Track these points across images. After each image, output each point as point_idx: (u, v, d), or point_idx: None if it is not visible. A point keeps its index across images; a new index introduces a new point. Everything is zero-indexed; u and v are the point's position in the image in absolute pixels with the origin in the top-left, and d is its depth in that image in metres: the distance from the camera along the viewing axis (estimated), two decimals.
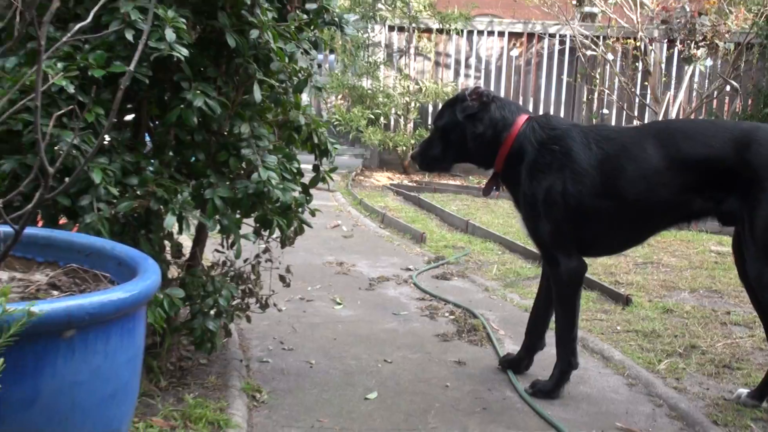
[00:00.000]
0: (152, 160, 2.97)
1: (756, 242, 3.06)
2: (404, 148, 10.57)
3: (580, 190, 3.29)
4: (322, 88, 3.40)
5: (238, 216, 3.12)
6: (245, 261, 3.46)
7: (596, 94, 11.50)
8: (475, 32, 11.62)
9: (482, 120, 3.49)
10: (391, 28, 11.41)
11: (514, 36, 11.71)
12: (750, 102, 10.86)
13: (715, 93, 10.95)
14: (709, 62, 11.07)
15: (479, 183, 9.91)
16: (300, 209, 3.29)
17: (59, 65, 2.59)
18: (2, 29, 1.96)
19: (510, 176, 3.52)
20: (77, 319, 1.74)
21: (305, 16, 3.29)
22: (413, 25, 11.11)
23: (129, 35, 2.60)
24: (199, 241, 3.38)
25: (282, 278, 3.63)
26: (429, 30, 11.42)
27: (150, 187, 2.78)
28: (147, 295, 1.98)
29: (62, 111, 2.44)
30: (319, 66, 11.70)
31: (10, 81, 2.57)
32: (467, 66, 11.69)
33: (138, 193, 2.77)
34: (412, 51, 11.28)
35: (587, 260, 3.47)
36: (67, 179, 2.40)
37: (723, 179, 3.16)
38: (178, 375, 3.27)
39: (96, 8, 2.27)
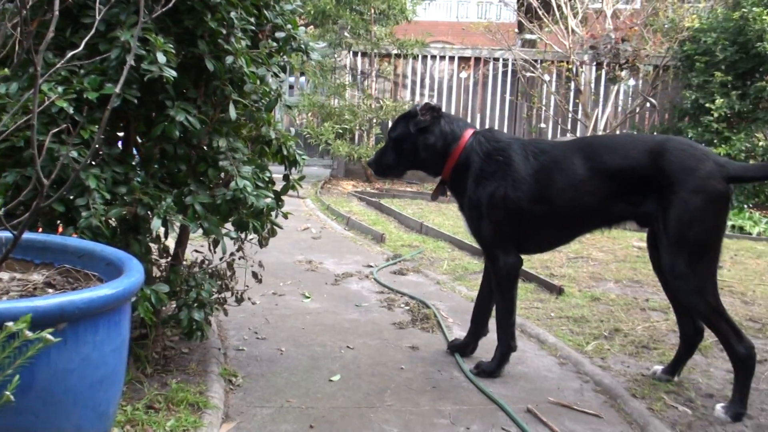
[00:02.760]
0: (140, 172, 2.96)
1: (669, 238, 3.07)
2: (367, 159, 10.59)
3: (518, 196, 3.32)
4: (292, 107, 3.41)
5: (217, 219, 3.11)
6: (221, 259, 3.45)
7: (535, 111, 11.66)
8: (429, 57, 11.71)
9: (433, 132, 3.51)
10: (356, 54, 11.46)
11: (464, 60, 11.84)
12: (666, 116, 11.13)
13: (637, 109, 11.13)
14: (631, 82, 11.33)
15: (432, 190, 9.95)
16: (272, 213, 3.30)
17: (60, 88, 2.57)
18: (5, 57, 1.95)
19: (457, 183, 3.54)
20: (69, 313, 1.74)
21: (275, 44, 3.29)
22: (375, 50, 11.18)
23: (130, 59, 2.58)
24: (181, 242, 3.36)
25: (254, 275, 3.62)
26: (389, 55, 11.50)
27: (137, 194, 2.77)
28: (131, 291, 1.97)
29: (58, 128, 2.43)
30: (291, 87, 11.70)
31: (13, 105, 2.55)
32: (422, 86, 11.75)
33: (126, 200, 2.77)
34: (374, 73, 11.32)
35: (523, 256, 3.51)
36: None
37: (640, 185, 3.18)
38: (163, 363, 3.24)
39: (87, 37, 2.26)
